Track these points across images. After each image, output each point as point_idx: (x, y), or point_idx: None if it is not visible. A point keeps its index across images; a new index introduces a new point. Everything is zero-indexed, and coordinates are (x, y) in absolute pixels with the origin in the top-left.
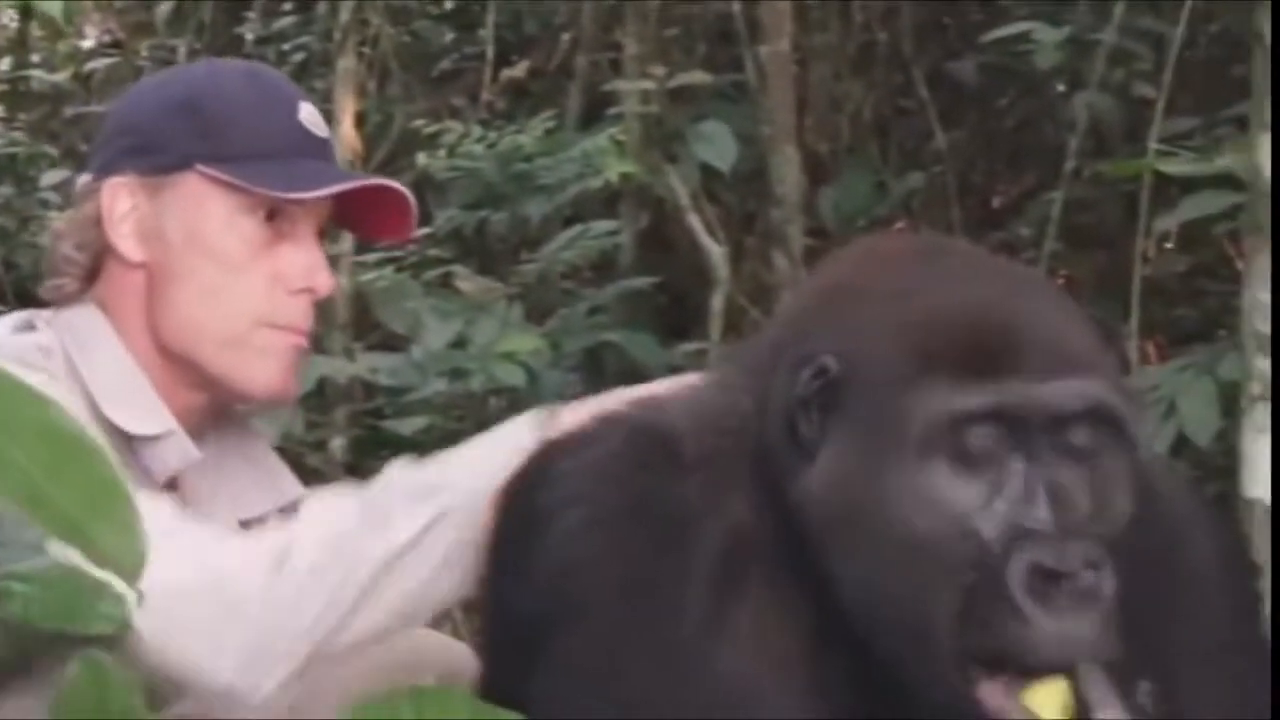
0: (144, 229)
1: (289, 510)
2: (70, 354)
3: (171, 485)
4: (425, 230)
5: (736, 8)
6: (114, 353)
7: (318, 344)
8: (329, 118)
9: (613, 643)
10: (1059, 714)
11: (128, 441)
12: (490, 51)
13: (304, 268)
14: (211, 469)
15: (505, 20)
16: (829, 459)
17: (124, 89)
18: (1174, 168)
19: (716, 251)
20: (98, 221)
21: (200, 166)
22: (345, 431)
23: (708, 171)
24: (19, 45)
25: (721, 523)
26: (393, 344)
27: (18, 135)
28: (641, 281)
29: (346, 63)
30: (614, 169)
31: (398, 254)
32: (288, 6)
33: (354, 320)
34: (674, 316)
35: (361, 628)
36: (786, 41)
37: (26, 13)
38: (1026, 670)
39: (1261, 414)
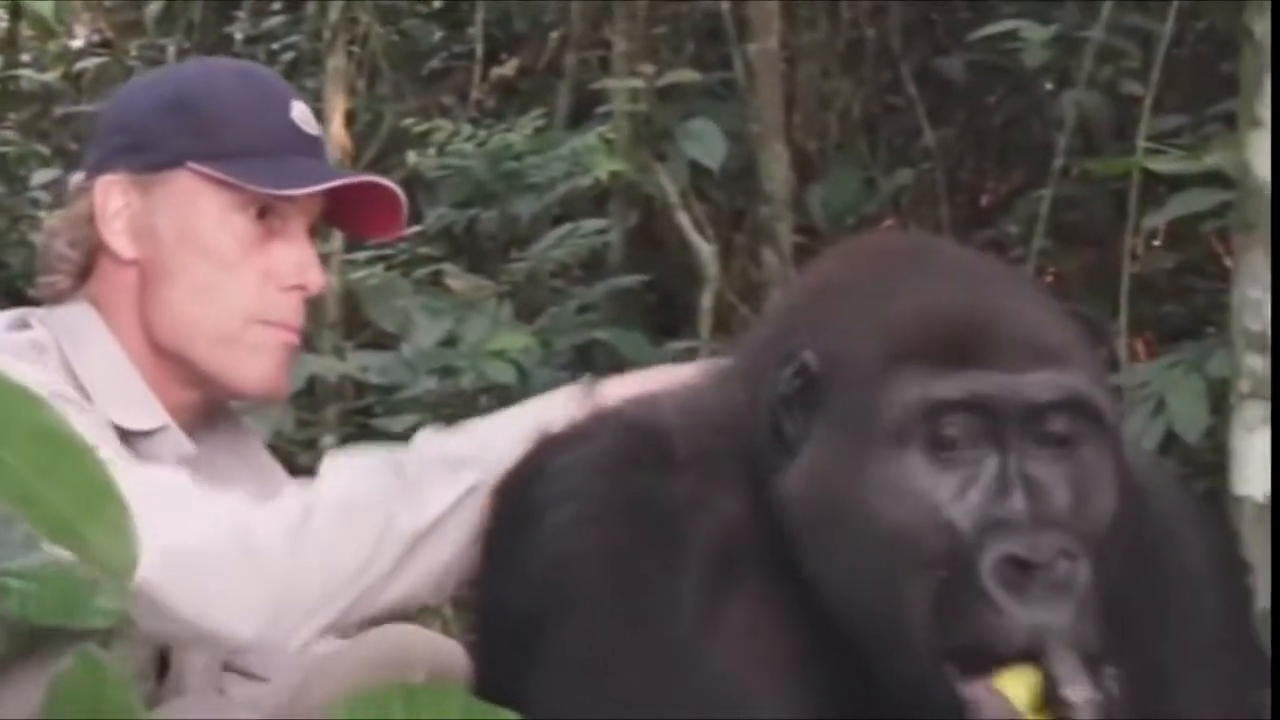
0: (137, 226)
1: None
2: (64, 350)
3: None
4: (415, 228)
5: (725, 6)
6: (107, 349)
7: (308, 342)
8: (319, 116)
9: (604, 639)
10: (1029, 699)
11: (123, 437)
12: (479, 50)
13: (295, 265)
14: (204, 466)
15: (494, 19)
16: (809, 455)
17: (114, 88)
18: (1162, 165)
19: (706, 249)
20: (91, 219)
21: (192, 164)
22: (336, 430)
23: (697, 169)
24: (9, 45)
25: (713, 520)
26: (383, 342)
27: (8, 134)
28: (631, 279)
29: (336, 61)
30: (603, 167)
31: (388, 252)
32: (277, 6)
33: (344, 318)
34: (663, 314)
35: (393, 596)
36: (775, 39)
37: (16, 12)
38: (999, 660)
39: (1250, 411)
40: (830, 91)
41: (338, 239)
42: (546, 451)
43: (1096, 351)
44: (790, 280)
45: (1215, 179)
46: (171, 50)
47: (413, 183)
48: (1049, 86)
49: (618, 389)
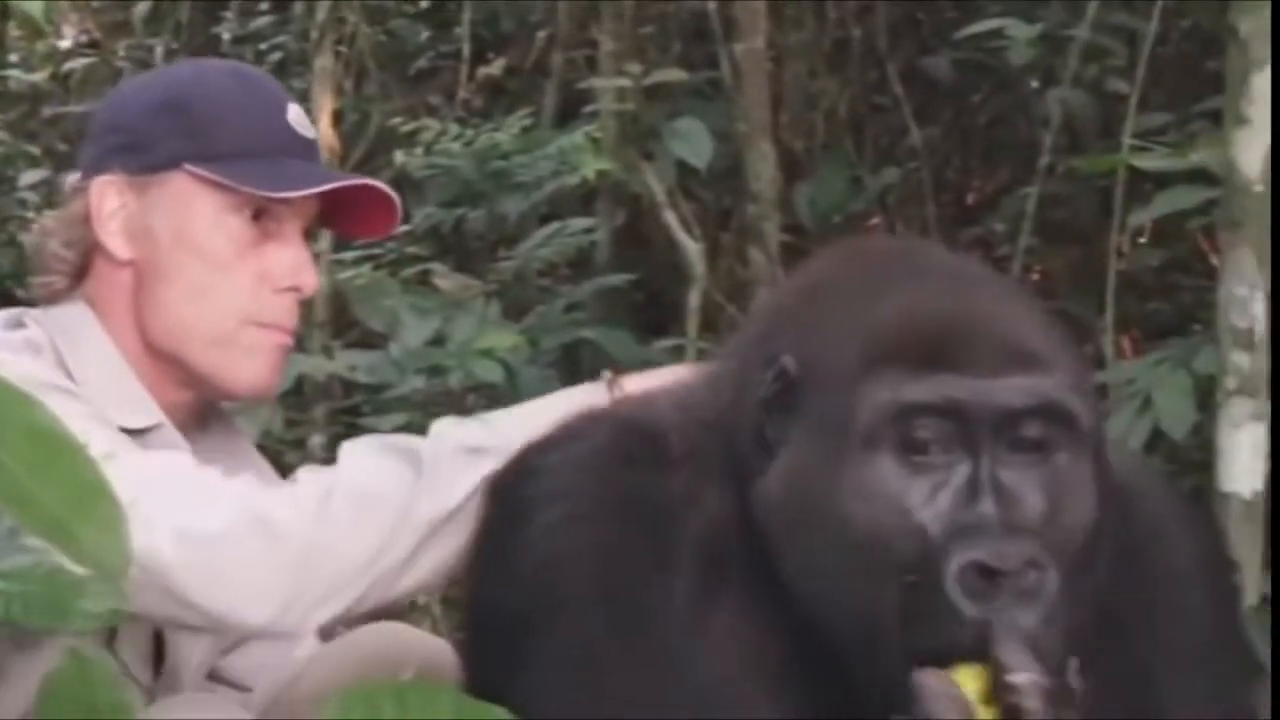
0: (132, 227)
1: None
2: (59, 350)
3: None
4: (403, 228)
5: (712, 6)
6: (103, 348)
7: (296, 342)
8: (306, 116)
9: (594, 638)
10: (981, 692)
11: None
12: (466, 49)
13: (290, 266)
14: None
15: (481, 18)
16: (786, 458)
17: (102, 89)
18: (1148, 163)
19: (693, 248)
20: (86, 219)
21: (188, 165)
22: (324, 429)
23: (684, 168)
24: None
25: (705, 517)
26: (371, 341)
27: None
28: (618, 278)
29: (323, 62)
30: (590, 166)
31: (375, 252)
32: (264, 6)
33: (332, 318)
34: (651, 313)
35: (407, 585)
36: (761, 39)
37: (4, 13)
38: (958, 659)
39: (1237, 408)
40: (817, 91)
41: (325, 238)
42: (538, 449)
43: (1079, 357)
44: (778, 279)
45: (1201, 176)
46: (159, 51)
47: (400, 182)
48: (1034, 85)
49: (637, 385)
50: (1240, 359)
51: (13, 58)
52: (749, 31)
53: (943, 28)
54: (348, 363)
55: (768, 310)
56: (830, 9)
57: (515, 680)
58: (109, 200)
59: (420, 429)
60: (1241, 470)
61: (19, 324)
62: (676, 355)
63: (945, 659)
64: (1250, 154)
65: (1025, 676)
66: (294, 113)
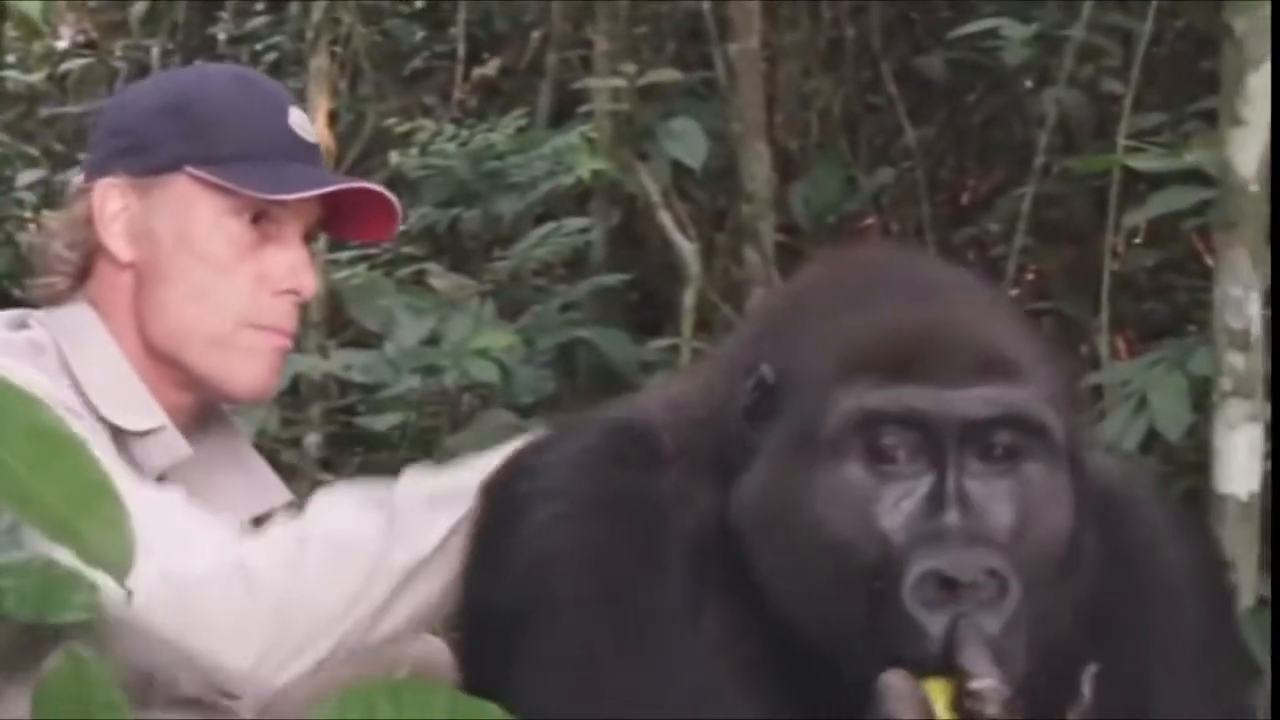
0: (134, 229)
1: (274, 515)
2: (62, 351)
3: (160, 482)
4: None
5: (706, 6)
6: (105, 349)
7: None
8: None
9: (586, 637)
10: (947, 699)
11: (120, 438)
12: (461, 50)
13: (289, 269)
14: (198, 469)
15: (476, 18)
16: (760, 465)
17: (98, 89)
18: (1142, 163)
19: (688, 248)
20: (89, 221)
21: (189, 168)
22: (320, 428)
23: (678, 168)
24: None
25: (695, 516)
26: (366, 341)
27: None
28: (613, 278)
29: (319, 62)
30: (585, 166)
31: (371, 252)
32: (260, 6)
33: (328, 318)
34: (645, 313)
35: (380, 633)
36: (756, 39)
37: (1, 13)
38: (920, 671)
39: (1233, 409)
40: (811, 91)
41: (321, 239)
42: (531, 449)
43: (1058, 367)
44: (773, 280)
45: (1195, 177)
46: (155, 51)
47: (395, 183)
48: (1029, 85)
49: None
50: (1236, 360)
51: (10, 58)
52: (743, 31)
53: (937, 27)
54: (343, 362)
55: (756, 315)
56: (824, 9)
57: (509, 678)
58: (112, 202)
59: (415, 428)
60: (1237, 471)
61: (22, 324)
62: (671, 355)
63: (909, 665)
64: (1246, 154)
65: (986, 683)
66: (296, 116)
